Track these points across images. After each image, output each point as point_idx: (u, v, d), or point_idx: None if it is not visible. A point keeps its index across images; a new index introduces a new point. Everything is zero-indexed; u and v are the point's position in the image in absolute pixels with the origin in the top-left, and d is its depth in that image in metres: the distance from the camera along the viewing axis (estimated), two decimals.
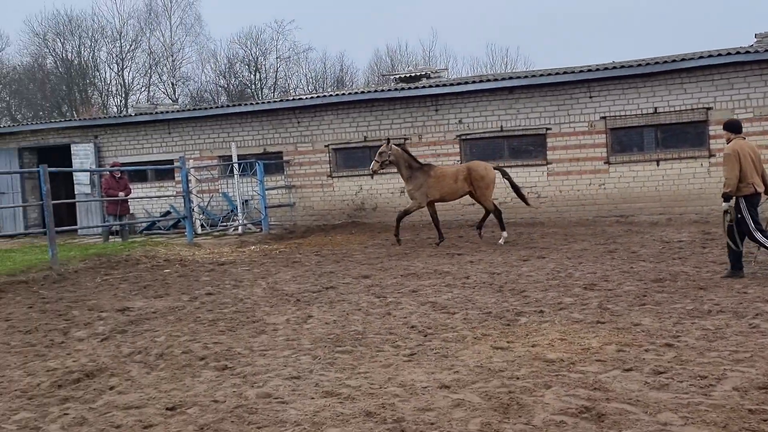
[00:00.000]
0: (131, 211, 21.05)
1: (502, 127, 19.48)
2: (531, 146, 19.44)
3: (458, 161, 19.89)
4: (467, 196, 15.51)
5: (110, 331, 7.87)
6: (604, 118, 18.50)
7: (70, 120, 27.35)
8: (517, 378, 5.50)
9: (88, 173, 23.62)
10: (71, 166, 24.26)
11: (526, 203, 15.63)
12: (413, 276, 10.85)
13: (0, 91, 57.44)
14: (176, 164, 19.50)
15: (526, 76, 19.80)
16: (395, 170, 19.25)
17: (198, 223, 20.57)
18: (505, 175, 15.44)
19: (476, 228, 15.74)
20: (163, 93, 57.49)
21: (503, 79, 19.66)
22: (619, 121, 18.39)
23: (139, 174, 23.70)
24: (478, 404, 4.95)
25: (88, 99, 55.77)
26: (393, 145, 15.25)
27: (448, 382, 5.49)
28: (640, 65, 17.93)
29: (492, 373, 5.67)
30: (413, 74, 25.17)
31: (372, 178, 15.98)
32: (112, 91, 58.12)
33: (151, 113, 24.44)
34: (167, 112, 24.33)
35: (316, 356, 6.40)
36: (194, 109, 24.44)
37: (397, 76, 26.19)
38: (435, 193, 15.12)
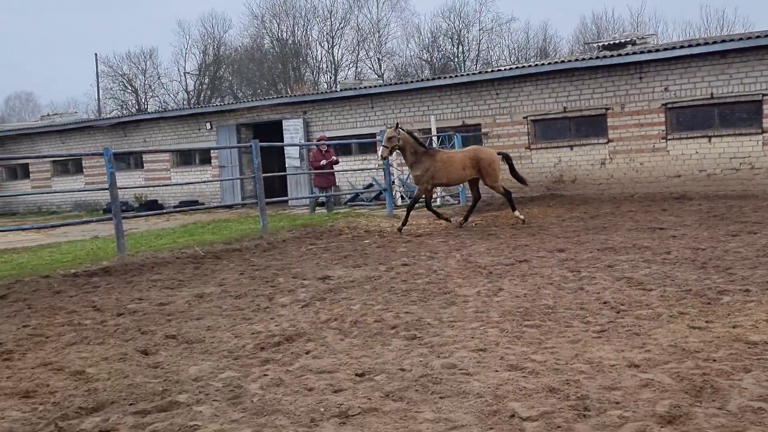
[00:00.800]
0: (336, 184, 21.96)
1: (712, 94, 18.29)
2: (744, 114, 18.12)
3: (663, 131, 18.98)
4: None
5: (311, 298, 8.30)
6: None
7: (282, 97, 28.86)
8: (714, 360, 5.23)
9: (298, 147, 24.89)
10: (283, 141, 25.67)
11: (524, 183, 15.54)
12: (610, 250, 10.54)
13: (224, 71, 61.65)
14: (378, 138, 20.05)
15: (740, 39, 18.42)
16: (595, 141, 18.72)
17: (398, 195, 21.11)
18: (507, 159, 15.28)
19: (514, 212, 15.16)
20: (370, 69, 59.21)
21: (714, 42, 18.40)
22: None
23: (343, 147, 24.62)
24: (669, 385, 4.76)
25: (301, 76, 58.52)
26: (401, 130, 14.81)
27: (638, 361, 5.31)
28: None
29: (686, 353, 5.43)
30: (618, 41, 24.21)
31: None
32: (322, 69, 60.69)
33: (355, 88, 25.28)
34: (370, 87, 25.06)
35: (504, 329, 6.42)
36: (395, 84, 24.95)
37: (601, 44, 25.30)
38: (442, 177, 15.01)
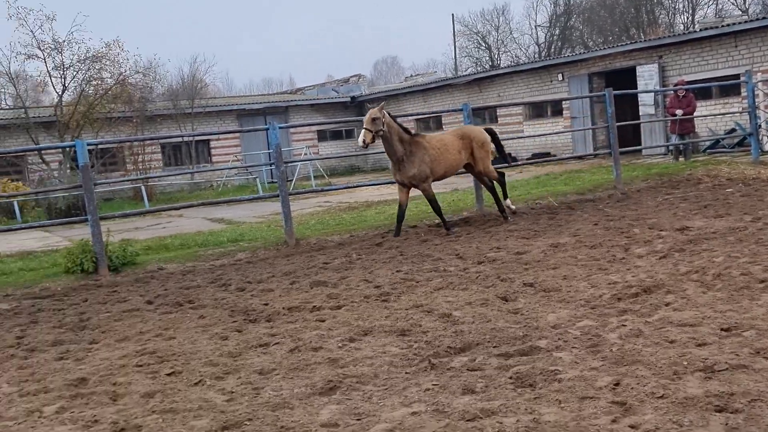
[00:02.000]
0: (695, 130, 20.75)
1: None
2: None
3: None
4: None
5: (668, 250, 8.06)
6: None
7: (635, 42, 27.82)
8: None
9: (652, 94, 23.90)
10: (636, 88, 24.79)
11: (508, 162, 13.15)
12: None
13: (574, 21, 60.83)
14: (742, 79, 18.50)
15: None
16: None
17: (765, 140, 19.38)
18: (493, 135, 12.22)
19: (500, 213, 12.07)
20: (732, 4, 54.38)
21: None
22: None
23: (702, 91, 23.11)
24: None
25: (655, 19, 55.64)
26: (386, 112, 11.25)
27: None
28: None
29: None
30: None
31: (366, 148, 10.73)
32: (678, 9, 57.05)
33: (716, 27, 23.50)
34: (733, 24, 23.13)
35: None
36: (764, 18, 22.70)
37: None
38: (439, 169, 11.61)
